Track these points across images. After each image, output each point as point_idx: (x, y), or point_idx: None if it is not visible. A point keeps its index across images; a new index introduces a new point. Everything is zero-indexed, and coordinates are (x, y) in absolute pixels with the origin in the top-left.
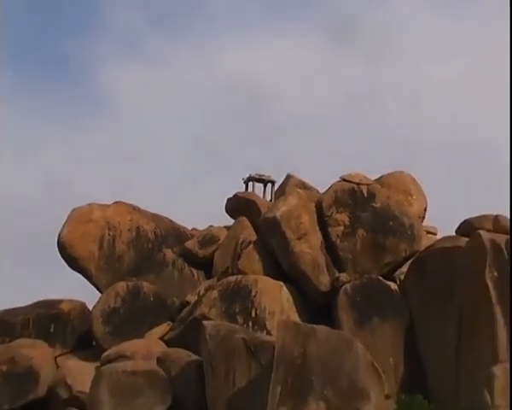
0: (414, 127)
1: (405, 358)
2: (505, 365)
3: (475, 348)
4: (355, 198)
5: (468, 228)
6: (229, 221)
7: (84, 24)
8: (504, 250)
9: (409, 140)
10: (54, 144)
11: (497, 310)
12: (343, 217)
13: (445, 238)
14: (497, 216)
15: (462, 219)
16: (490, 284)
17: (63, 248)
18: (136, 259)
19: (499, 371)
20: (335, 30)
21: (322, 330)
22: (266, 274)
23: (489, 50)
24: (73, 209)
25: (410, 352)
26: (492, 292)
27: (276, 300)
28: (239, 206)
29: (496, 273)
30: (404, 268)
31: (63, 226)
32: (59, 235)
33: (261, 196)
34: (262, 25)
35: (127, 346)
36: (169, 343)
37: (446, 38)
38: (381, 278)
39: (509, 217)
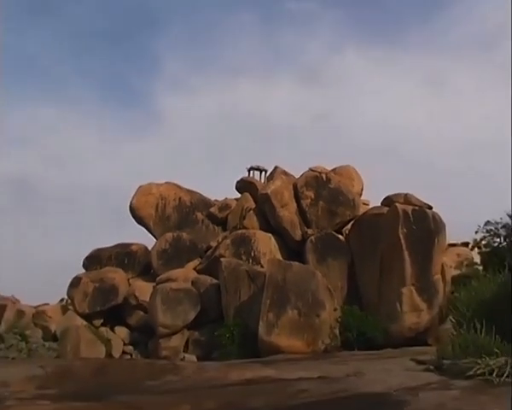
0: (359, 136)
1: (348, 283)
2: (409, 287)
3: (391, 276)
4: (318, 182)
5: (388, 201)
6: (238, 196)
7: (144, 66)
8: (410, 215)
9: (355, 145)
10: (126, 146)
11: (406, 254)
12: (310, 193)
13: (374, 208)
14: (406, 194)
15: (384, 196)
16: (401, 237)
17: (133, 211)
18: (178, 219)
19: (405, 290)
20: (303, 71)
21: (296, 264)
22: (261, 229)
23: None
24: (139, 186)
25: (351, 279)
26: (403, 242)
27: (267, 246)
28: (244, 186)
29: (405, 230)
30: (349, 226)
31: (133, 197)
32: (130, 203)
33: (258, 179)
34: (257, 68)
35: (173, 273)
36: (199, 272)
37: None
38: (333, 232)
39: None
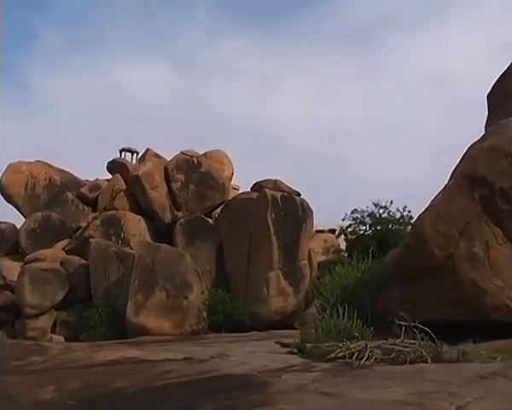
0: (232, 122)
1: (216, 266)
2: (276, 271)
3: (259, 260)
4: (189, 165)
5: (258, 187)
6: (109, 176)
7: (21, 43)
8: (279, 201)
9: (228, 130)
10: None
11: (273, 238)
12: (181, 177)
13: (244, 193)
14: (275, 180)
15: (254, 181)
16: (269, 222)
17: (1, 189)
18: (48, 198)
19: (272, 275)
20: (180, 60)
21: (165, 247)
22: (131, 211)
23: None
24: (9, 164)
25: (219, 262)
26: (271, 226)
27: (136, 227)
28: (115, 167)
29: (273, 215)
30: (218, 210)
31: (2, 175)
32: None
33: (130, 161)
34: (135, 50)
35: (41, 253)
36: (68, 252)
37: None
38: (203, 216)
39: None
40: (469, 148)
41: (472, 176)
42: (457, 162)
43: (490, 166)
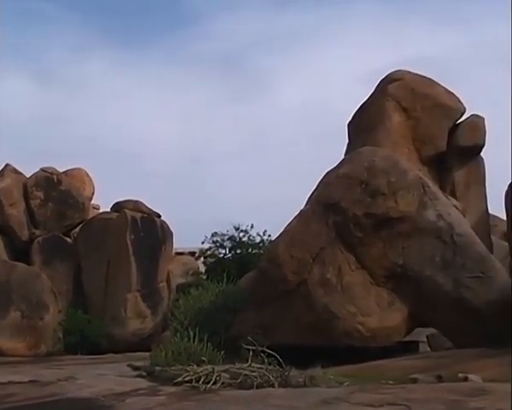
0: (96, 140)
1: (74, 286)
2: (134, 293)
3: (117, 281)
4: (49, 182)
5: (118, 207)
6: None
7: None
8: (139, 222)
9: (92, 148)
10: None
11: (132, 259)
12: (40, 194)
13: (103, 212)
14: (136, 201)
15: (114, 202)
16: (129, 243)
17: None
18: None
19: (130, 296)
20: (41, 74)
21: (21, 265)
22: None
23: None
24: None
25: (77, 283)
26: (130, 247)
27: None
28: None
29: (133, 236)
30: (77, 229)
31: None
32: None
33: None
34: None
35: None
36: None
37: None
38: (61, 235)
39: None
40: (325, 175)
41: (327, 202)
42: (314, 188)
43: (344, 194)
